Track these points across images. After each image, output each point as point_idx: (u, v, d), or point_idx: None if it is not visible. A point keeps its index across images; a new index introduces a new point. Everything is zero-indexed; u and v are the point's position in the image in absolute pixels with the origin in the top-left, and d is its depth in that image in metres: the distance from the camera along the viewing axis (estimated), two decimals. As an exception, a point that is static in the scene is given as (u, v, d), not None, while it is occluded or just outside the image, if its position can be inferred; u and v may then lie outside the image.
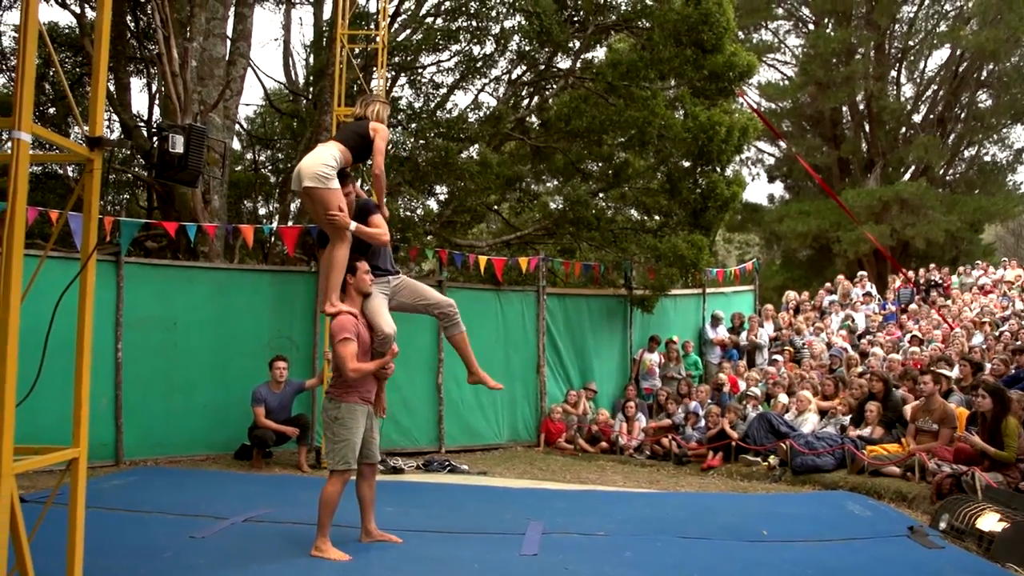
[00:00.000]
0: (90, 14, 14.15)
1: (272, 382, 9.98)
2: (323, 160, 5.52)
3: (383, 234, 5.76)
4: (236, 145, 18.27)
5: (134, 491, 7.76)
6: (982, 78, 27.64)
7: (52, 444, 3.61)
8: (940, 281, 17.51)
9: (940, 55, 28.80)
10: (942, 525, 6.36)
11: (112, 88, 14.31)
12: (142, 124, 15.80)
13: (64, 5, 14.26)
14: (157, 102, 16.35)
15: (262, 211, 19.41)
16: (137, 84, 16.46)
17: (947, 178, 28.81)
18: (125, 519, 6.43)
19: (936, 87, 28.51)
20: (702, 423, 11.27)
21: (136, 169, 15.64)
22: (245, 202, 18.68)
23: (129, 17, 14.28)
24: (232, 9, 14.05)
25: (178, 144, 3.91)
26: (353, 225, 5.57)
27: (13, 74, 14.45)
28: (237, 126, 16.68)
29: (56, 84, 14.27)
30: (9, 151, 3.06)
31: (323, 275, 5.78)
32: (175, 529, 6.08)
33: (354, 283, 5.60)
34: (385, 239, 5.80)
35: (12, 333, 2.96)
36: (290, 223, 13.62)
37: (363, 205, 5.84)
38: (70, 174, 14.30)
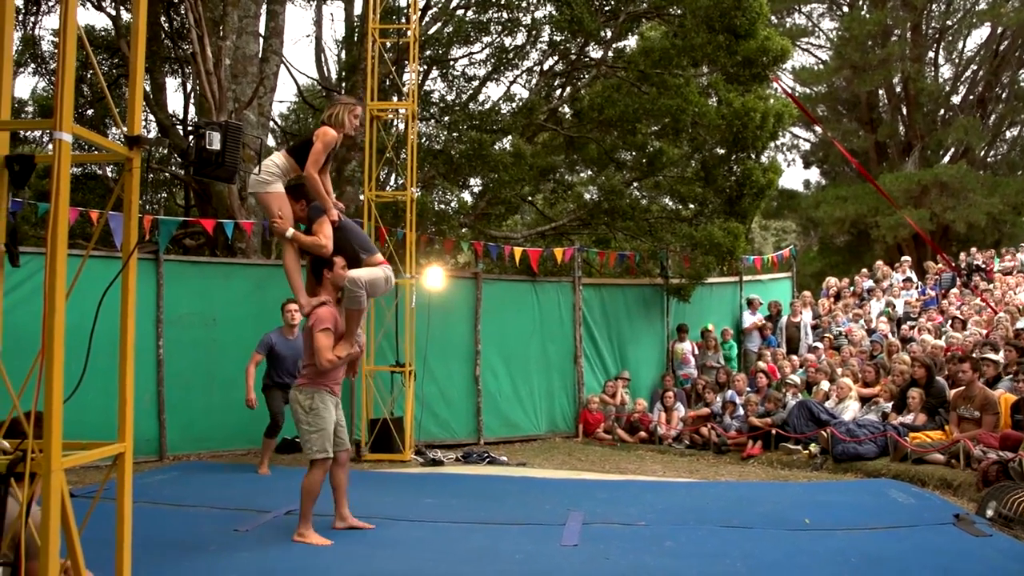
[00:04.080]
0: (125, 16, 14.35)
1: (284, 327, 9.02)
2: (263, 167, 5.67)
3: (320, 245, 5.72)
4: (271, 142, 18.42)
5: (178, 486, 7.89)
6: (1024, 56, 27.03)
7: (98, 440, 3.66)
8: (983, 265, 17.14)
9: (980, 34, 28.17)
10: (989, 512, 6.24)
11: (148, 88, 14.49)
12: (178, 123, 15.99)
13: (100, 8, 14.45)
14: (192, 101, 16.56)
15: (297, 207, 19.53)
16: (172, 84, 16.62)
17: (988, 160, 28.17)
18: (170, 513, 6.55)
19: (976, 67, 27.87)
20: (740, 412, 11.18)
21: (173, 168, 15.85)
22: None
23: (163, 18, 14.45)
24: (264, 7, 14.15)
25: (214, 141, 3.92)
26: (290, 232, 5.70)
27: (53, 77, 14.69)
28: (271, 123, 16.81)
29: (94, 86, 14.49)
30: (51, 152, 3.11)
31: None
32: (219, 523, 6.18)
33: (331, 278, 5.75)
34: (321, 250, 5.74)
35: (58, 332, 3.00)
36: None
37: (311, 212, 5.87)
38: (109, 174, 14.50)
